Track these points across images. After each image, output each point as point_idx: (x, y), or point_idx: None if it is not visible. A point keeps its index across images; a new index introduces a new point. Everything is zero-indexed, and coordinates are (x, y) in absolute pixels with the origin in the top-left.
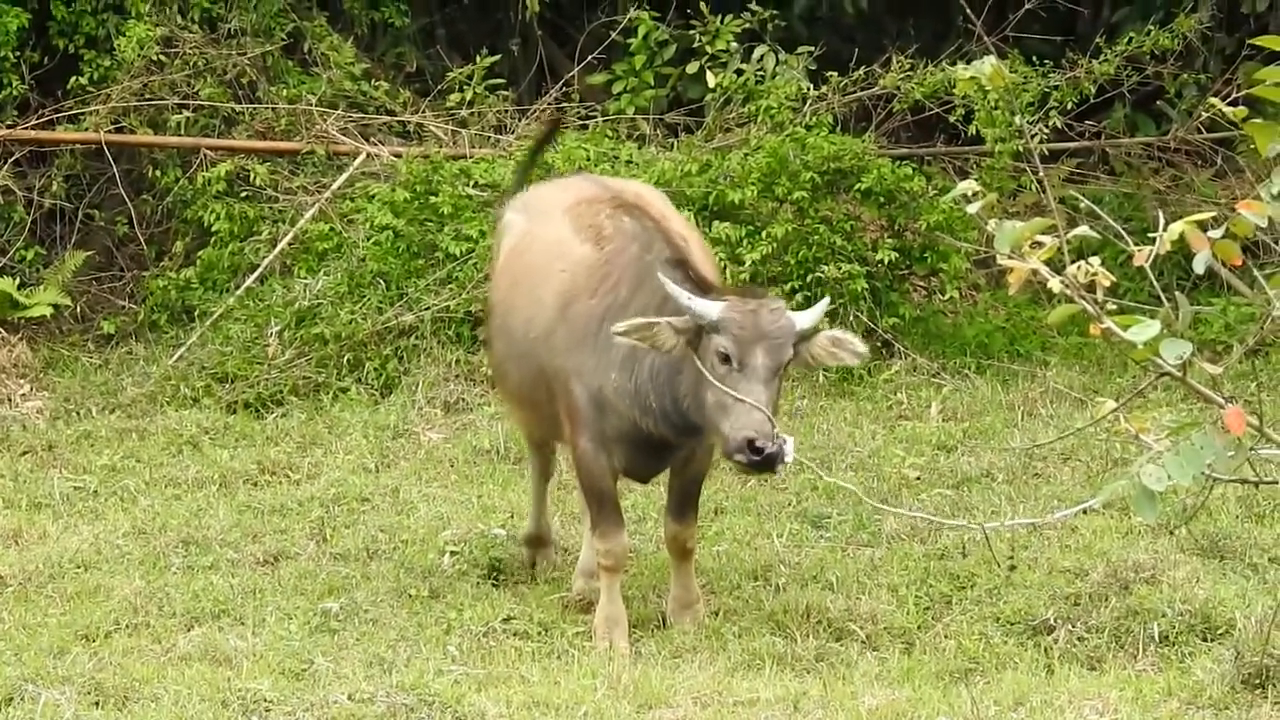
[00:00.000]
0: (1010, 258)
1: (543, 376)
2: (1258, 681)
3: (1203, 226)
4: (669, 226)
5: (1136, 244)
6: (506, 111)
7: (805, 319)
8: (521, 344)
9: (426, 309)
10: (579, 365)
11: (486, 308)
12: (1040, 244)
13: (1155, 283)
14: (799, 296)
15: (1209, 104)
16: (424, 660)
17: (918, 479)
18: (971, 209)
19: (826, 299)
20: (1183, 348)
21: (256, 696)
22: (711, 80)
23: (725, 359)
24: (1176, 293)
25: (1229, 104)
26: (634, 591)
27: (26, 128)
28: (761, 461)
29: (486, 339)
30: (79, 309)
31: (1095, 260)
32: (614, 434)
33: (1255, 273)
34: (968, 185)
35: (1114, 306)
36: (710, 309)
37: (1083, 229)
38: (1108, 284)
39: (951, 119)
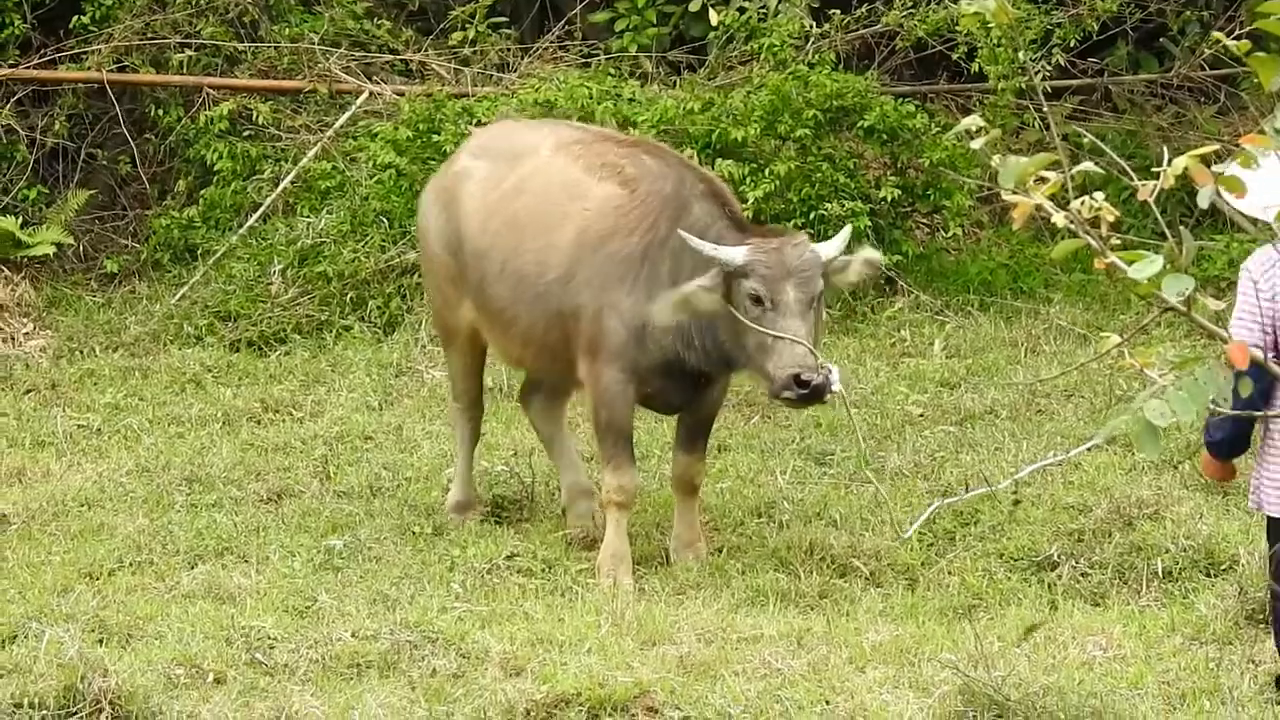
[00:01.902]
0: (1014, 194)
1: (560, 318)
2: (1260, 617)
3: (1206, 162)
4: (685, 160)
5: (1140, 180)
6: (509, 50)
7: (829, 249)
8: (535, 287)
9: None
10: (615, 301)
11: (451, 260)
12: (1044, 180)
13: (1160, 218)
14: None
15: (1213, 39)
16: (428, 597)
17: (921, 415)
18: (975, 145)
19: (849, 227)
20: (1186, 283)
21: (260, 634)
22: (714, 18)
23: (757, 300)
24: (1180, 227)
25: (1233, 39)
26: (638, 529)
27: (29, 67)
28: (810, 394)
29: (455, 290)
30: (82, 248)
31: (1099, 195)
32: (650, 365)
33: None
34: (971, 121)
35: (1118, 242)
36: (735, 254)
37: (1087, 164)
38: (1112, 219)
39: (954, 56)
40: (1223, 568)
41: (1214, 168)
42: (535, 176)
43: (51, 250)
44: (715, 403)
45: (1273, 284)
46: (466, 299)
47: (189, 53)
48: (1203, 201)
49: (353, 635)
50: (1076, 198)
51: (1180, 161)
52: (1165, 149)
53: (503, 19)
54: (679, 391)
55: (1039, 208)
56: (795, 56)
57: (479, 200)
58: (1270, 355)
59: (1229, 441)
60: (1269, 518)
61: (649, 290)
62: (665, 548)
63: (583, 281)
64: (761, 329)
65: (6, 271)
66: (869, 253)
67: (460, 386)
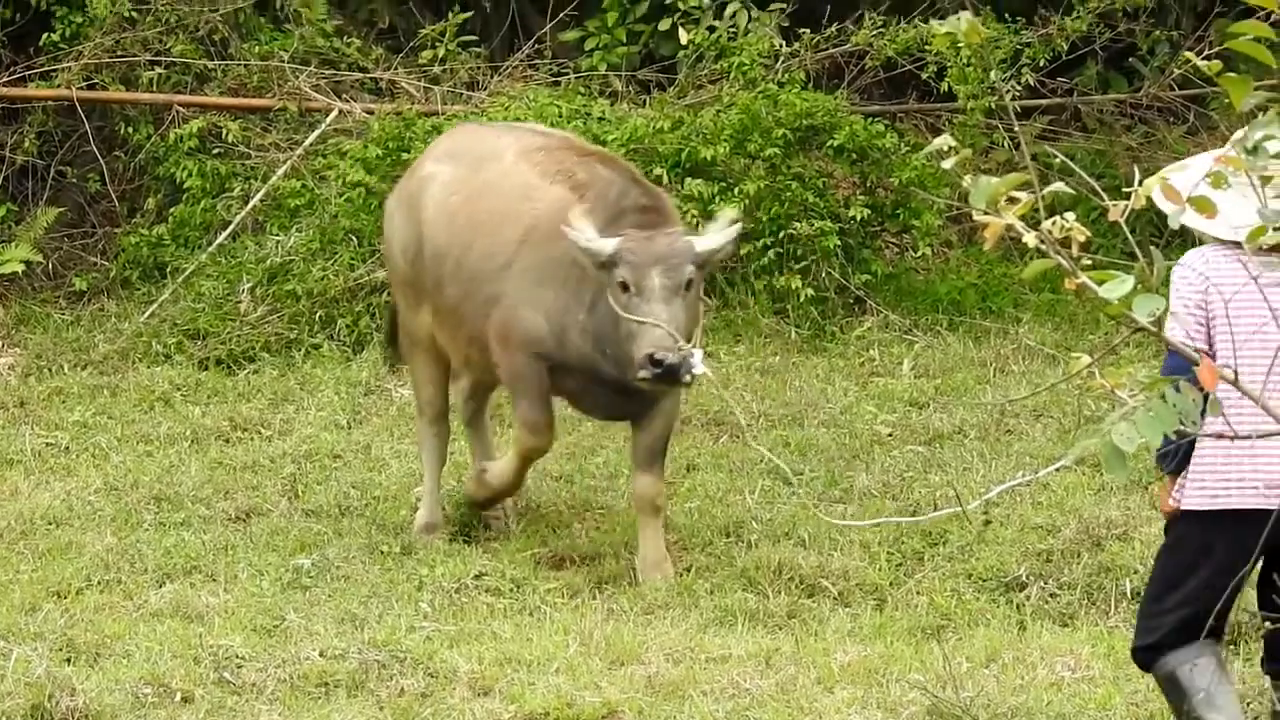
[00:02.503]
0: (985, 213)
1: (488, 302)
2: (1229, 638)
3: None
4: (632, 170)
5: (1110, 200)
6: (479, 68)
7: (705, 243)
8: (480, 279)
9: None
10: (540, 297)
11: (410, 267)
12: (1015, 199)
13: (1130, 238)
14: (771, 253)
15: (1183, 59)
16: (396, 616)
17: (890, 435)
18: (946, 164)
19: (739, 225)
20: (1156, 303)
21: (228, 652)
22: (684, 37)
23: (625, 287)
24: (1151, 247)
25: (1203, 59)
26: (606, 548)
27: None
28: (663, 373)
29: (415, 295)
30: (51, 265)
31: (1070, 216)
32: (569, 363)
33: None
34: (943, 140)
35: (1089, 262)
36: (606, 245)
37: (1058, 185)
38: (1083, 239)
39: (924, 76)
40: None
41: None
42: (497, 181)
43: (20, 268)
44: (665, 420)
45: (1207, 280)
46: (425, 303)
47: (159, 70)
48: (1173, 223)
49: (321, 654)
50: (1047, 218)
51: (1151, 181)
52: (1136, 168)
53: (472, 37)
54: (605, 396)
55: (1009, 227)
56: (765, 75)
57: (441, 203)
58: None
59: (1181, 452)
60: (1183, 511)
61: (577, 292)
62: (634, 568)
63: (517, 271)
64: (627, 315)
65: None
66: (733, 229)
67: (424, 398)
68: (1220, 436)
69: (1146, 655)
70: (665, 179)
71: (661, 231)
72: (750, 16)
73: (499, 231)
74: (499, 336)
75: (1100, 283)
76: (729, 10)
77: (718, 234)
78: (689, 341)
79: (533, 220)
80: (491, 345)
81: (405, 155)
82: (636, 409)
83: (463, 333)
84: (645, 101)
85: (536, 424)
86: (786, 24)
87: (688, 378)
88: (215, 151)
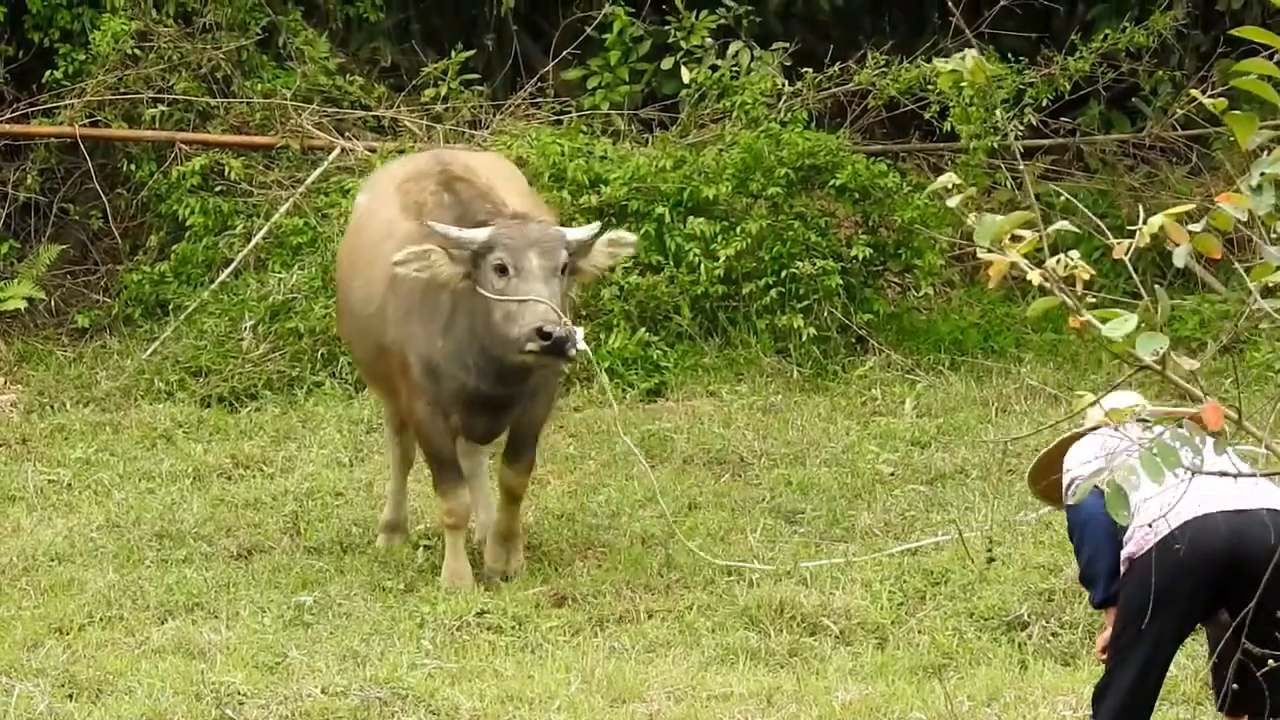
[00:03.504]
0: (990, 252)
1: (382, 351)
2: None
3: (1181, 220)
4: (491, 192)
5: (1114, 240)
6: (481, 107)
7: (576, 232)
8: (361, 320)
9: None
10: (410, 335)
11: (340, 286)
12: (1019, 238)
13: (1135, 276)
14: (773, 292)
15: (1189, 95)
16: (397, 654)
17: (892, 474)
18: (951, 202)
19: (597, 224)
20: (1160, 341)
21: (230, 689)
22: (686, 76)
23: (502, 270)
24: (1156, 286)
25: (1207, 98)
26: (607, 586)
27: (1, 121)
28: (551, 345)
29: (337, 321)
30: (53, 302)
31: (1074, 254)
32: (450, 398)
33: (1235, 264)
34: (947, 179)
35: (1093, 300)
36: (480, 233)
37: (1062, 223)
38: (1086, 278)
39: (926, 115)
40: (1194, 629)
41: (1189, 226)
42: (376, 213)
43: (23, 305)
44: (534, 419)
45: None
46: None
47: (161, 108)
48: (1178, 261)
49: (322, 691)
50: (1051, 256)
51: (1156, 220)
52: (1141, 208)
53: (475, 76)
54: (483, 420)
55: (1012, 266)
56: (767, 114)
57: (348, 234)
58: None
59: (1110, 576)
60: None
61: (435, 322)
62: (635, 606)
63: (389, 317)
64: (505, 298)
65: None
66: (617, 234)
67: (387, 411)
68: (1223, 474)
69: None
70: (667, 217)
71: (532, 219)
72: (753, 56)
73: (369, 270)
74: (402, 385)
75: (1104, 321)
76: (731, 49)
77: (585, 228)
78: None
79: (389, 259)
80: (402, 394)
81: None
82: (512, 418)
83: (361, 365)
84: (648, 140)
85: (454, 510)
86: (789, 63)
87: (572, 351)
88: (218, 189)
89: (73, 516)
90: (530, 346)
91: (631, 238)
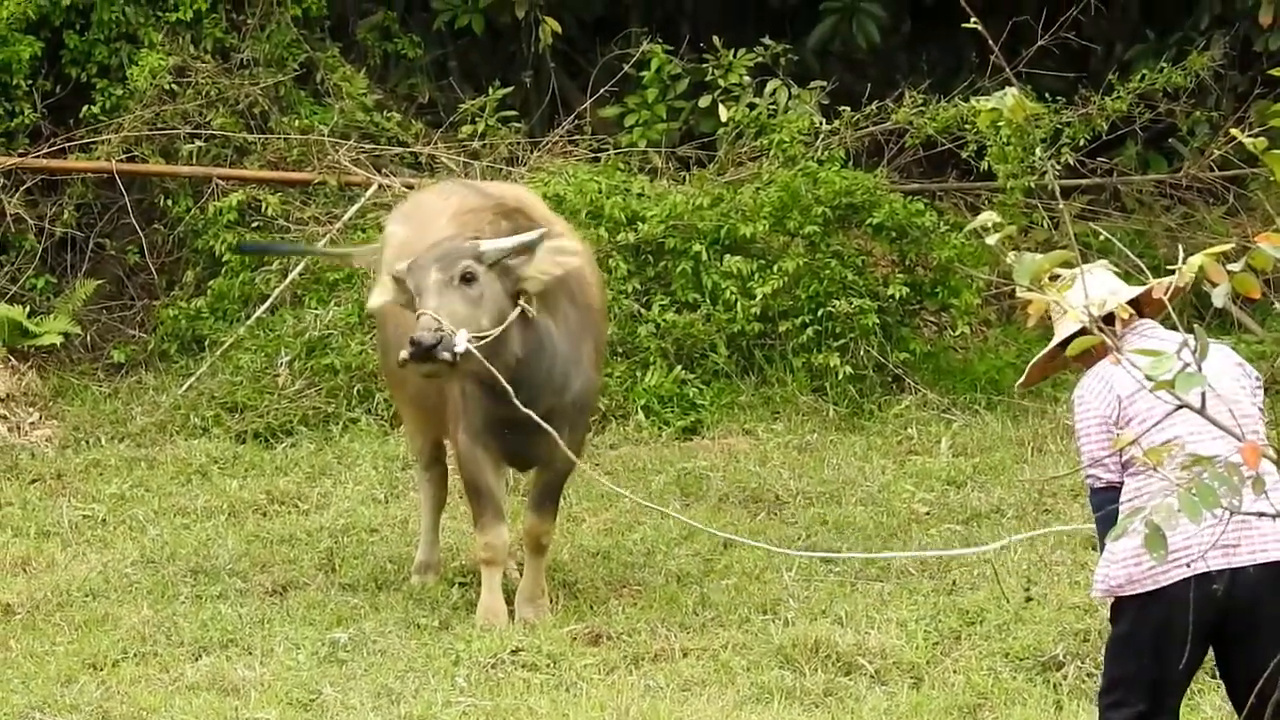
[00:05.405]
0: (1028, 290)
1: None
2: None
3: (1219, 260)
4: (552, 224)
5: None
6: (518, 143)
7: (492, 243)
8: None
9: None
10: None
11: (377, 322)
12: (1058, 277)
13: (1174, 315)
14: (809, 330)
15: (1226, 135)
16: (432, 691)
17: (927, 514)
18: (990, 240)
19: (540, 231)
20: (1199, 381)
21: None
22: (724, 114)
23: (411, 291)
24: (1196, 325)
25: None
26: (642, 624)
27: (38, 156)
28: (416, 350)
29: (380, 354)
30: (89, 338)
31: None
32: (481, 423)
33: (1275, 303)
34: (987, 217)
35: None
36: (401, 265)
37: (1101, 263)
38: (1125, 316)
39: (964, 154)
40: None
41: (1228, 266)
42: (413, 246)
43: (59, 340)
44: (561, 468)
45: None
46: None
47: (198, 143)
48: (1218, 301)
49: None
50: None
51: (1196, 259)
52: (1180, 247)
53: (512, 112)
54: (512, 441)
55: (1049, 306)
56: (805, 153)
57: (390, 266)
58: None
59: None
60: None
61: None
62: (670, 644)
63: None
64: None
65: (14, 361)
66: (559, 243)
67: (416, 444)
68: (1261, 515)
69: None
70: (704, 255)
71: (456, 237)
72: (790, 94)
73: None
74: (450, 415)
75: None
76: (769, 88)
77: (513, 238)
78: (469, 330)
79: None
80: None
81: None
82: (539, 448)
83: (407, 394)
84: (685, 178)
85: (491, 544)
86: (826, 102)
87: (446, 355)
88: (254, 225)
89: (107, 552)
90: (402, 355)
91: (576, 248)
